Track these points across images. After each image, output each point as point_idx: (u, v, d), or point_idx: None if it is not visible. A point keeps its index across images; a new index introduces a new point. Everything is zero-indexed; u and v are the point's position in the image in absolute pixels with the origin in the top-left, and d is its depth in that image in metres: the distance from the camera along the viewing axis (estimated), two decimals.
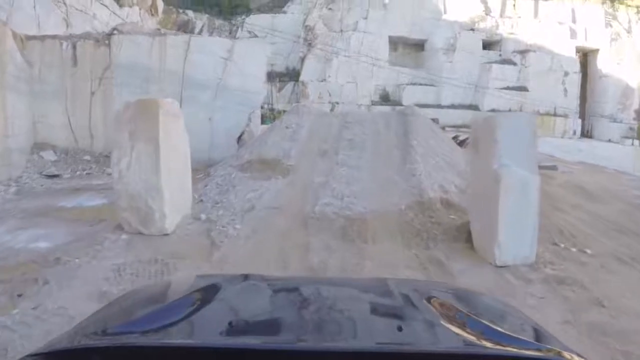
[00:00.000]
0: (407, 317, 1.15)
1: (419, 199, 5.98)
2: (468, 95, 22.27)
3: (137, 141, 4.67)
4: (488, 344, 0.95)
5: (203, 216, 5.49)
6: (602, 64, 26.81)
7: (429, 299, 1.24)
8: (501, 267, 4.16)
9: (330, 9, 22.22)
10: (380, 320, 1.15)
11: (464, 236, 4.82)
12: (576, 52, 26.30)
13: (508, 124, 4.25)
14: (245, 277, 1.46)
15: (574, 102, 25.50)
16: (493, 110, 22.78)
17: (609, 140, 25.91)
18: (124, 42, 10.08)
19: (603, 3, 29.76)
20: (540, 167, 12.59)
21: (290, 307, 1.23)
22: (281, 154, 7.61)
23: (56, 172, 8.71)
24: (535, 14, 24.91)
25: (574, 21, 27.43)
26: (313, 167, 7.31)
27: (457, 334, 1.00)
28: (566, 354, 0.94)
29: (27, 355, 0.91)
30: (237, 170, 7.15)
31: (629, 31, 30.19)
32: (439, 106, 21.67)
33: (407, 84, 21.45)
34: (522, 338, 1.03)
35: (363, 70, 21.31)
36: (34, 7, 11.23)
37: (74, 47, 9.75)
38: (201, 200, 6.16)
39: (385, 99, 21.40)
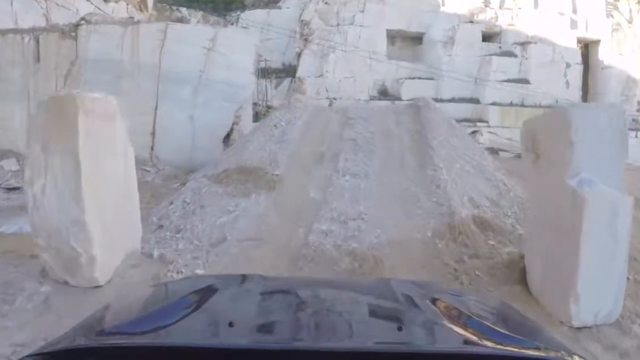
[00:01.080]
0: (407, 317, 1.14)
1: (448, 219, 4.79)
2: (468, 88, 21.63)
3: (51, 156, 3.35)
4: (488, 344, 0.93)
5: (156, 253, 4.20)
6: (604, 55, 26.12)
7: (429, 299, 1.22)
8: (579, 328, 3.02)
9: (326, 2, 21.58)
10: (380, 321, 1.15)
11: (515, 276, 3.67)
12: (577, 43, 25.64)
13: (588, 120, 2.91)
14: (245, 277, 1.46)
15: (576, 94, 24.81)
16: (494, 104, 22.25)
17: None
18: (92, 34, 8.87)
19: None
20: None
21: (290, 308, 1.21)
22: (266, 161, 6.11)
23: (16, 185, 7.26)
24: (536, 5, 24.18)
25: (574, 11, 26.73)
26: (306, 178, 6.00)
27: (457, 334, 0.99)
28: (566, 355, 0.94)
29: (27, 356, 0.91)
30: (211, 182, 5.64)
31: (630, 21, 29.52)
32: (439, 100, 20.88)
33: (406, 78, 20.77)
34: (522, 338, 1.02)
35: (361, 65, 20.63)
36: (11, 2, 10.42)
37: (37, 41, 8.59)
38: (160, 226, 4.87)
39: (383, 93, 20.78)
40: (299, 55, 20.92)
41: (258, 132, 7.53)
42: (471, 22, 21.90)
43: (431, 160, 6.23)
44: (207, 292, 1.28)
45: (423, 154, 6.52)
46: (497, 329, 1.08)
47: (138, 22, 10.41)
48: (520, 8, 23.30)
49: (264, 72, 19.10)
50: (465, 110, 21.49)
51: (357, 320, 1.13)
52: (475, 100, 21.57)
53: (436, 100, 21.38)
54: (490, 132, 21.14)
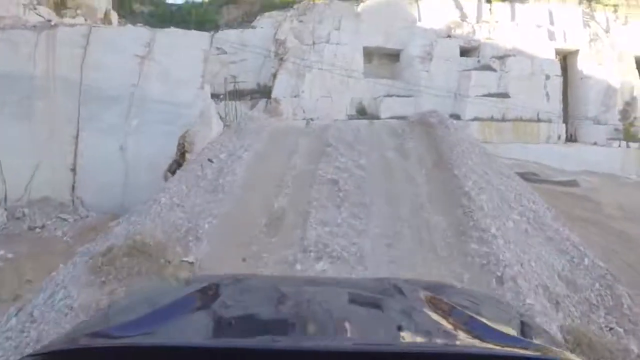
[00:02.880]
0: (407, 316, 1.11)
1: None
2: (448, 104, 21.08)
3: None
4: (488, 344, 0.92)
5: None
6: (583, 65, 25.89)
7: (429, 299, 1.22)
8: None
9: (301, 21, 20.98)
10: (379, 320, 1.11)
11: None
12: (556, 54, 25.41)
13: None
14: (245, 277, 1.51)
15: (557, 106, 24.46)
16: (475, 119, 21.68)
17: (595, 143, 24.89)
18: None
19: (580, 3, 28.95)
20: (559, 183, 11.16)
21: (290, 307, 1.19)
22: (178, 232, 3.84)
23: None
24: (513, 18, 23.84)
25: (551, 23, 26.49)
26: (246, 266, 3.54)
27: (457, 334, 0.98)
28: (566, 354, 0.93)
29: (27, 356, 0.90)
30: (87, 270, 3.44)
31: (607, 31, 29.39)
32: None
33: (384, 96, 20.14)
34: (522, 338, 1.02)
35: (338, 84, 20.00)
36: None
37: None
38: None
39: (362, 112, 20.13)
40: (274, 75, 20.25)
41: (183, 174, 5.26)
42: (449, 36, 21.45)
43: (471, 220, 3.84)
44: (207, 292, 1.27)
45: (454, 207, 4.12)
46: (498, 328, 1.03)
47: (55, 25, 8.00)
48: (497, 21, 22.95)
49: (236, 94, 18.38)
50: None
51: (358, 320, 1.07)
52: (455, 117, 20.87)
53: None
54: None
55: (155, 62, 7.89)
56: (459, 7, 22.13)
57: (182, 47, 8.33)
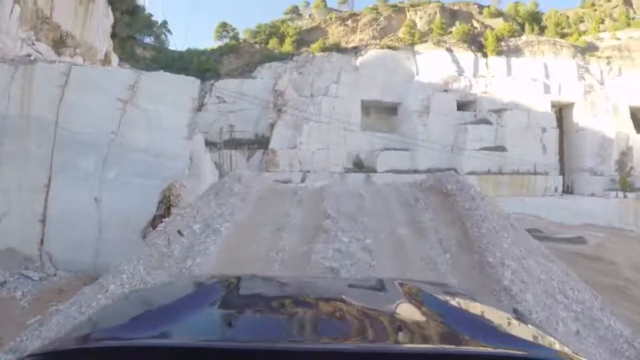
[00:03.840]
0: (407, 317, 1.11)
1: None
2: (445, 158, 21.06)
3: None
4: (487, 344, 0.92)
5: None
6: (578, 117, 26.07)
7: (429, 300, 1.22)
8: None
9: (300, 73, 21.18)
10: (379, 320, 1.09)
11: None
12: (551, 107, 25.62)
13: None
14: (244, 277, 1.42)
15: (553, 159, 24.51)
16: (472, 173, 21.55)
17: (592, 195, 24.79)
18: None
19: (574, 56, 29.54)
20: (566, 241, 10.77)
21: (290, 308, 1.18)
22: None
23: None
24: (509, 72, 24.16)
25: (547, 76, 26.86)
26: None
27: (457, 334, 0.97)
28: (566, 353, 0.93)
29: (27, 356, 0.90)
30: None
31: (601, 83, 29.78)
32: (415, 171, 20.24)
33: (381, 149, 20.11)
34: (522, 338, 1.01)
35: (335, 136, 19.99)
36: None
37: None
38: None
39: (358, 165, 20.05)
40: (272, 126, 20.25)
41: (145, 249, 4.31)
42: (446, 91, 21.62)
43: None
44: (206, 292, 1.26)
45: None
46: (497, 329, 1.06)
47: (34, 60, 7.39)
48: (493, 76, 23.21)
49: (233, 143, 18.31)
50: None
51: (357, 321, 1.07)
52: (452, 170, 20.88)
53: (412, 171, 20.77)
54: None
55: (138, 107, 6.93)
56: (455, 61, 22.42)
57: (169, 92, 7.34)
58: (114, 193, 6.57)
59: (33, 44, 11.04)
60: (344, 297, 1.29)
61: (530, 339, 1.06)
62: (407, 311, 1.19)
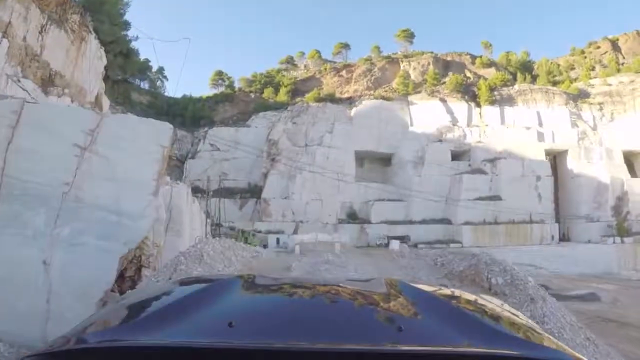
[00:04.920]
0: (408, 317, 1.12)
1: None
2: (439, 208, 20.80)
3: None
4: (488, 345, 0.91)
5: None
6: (572, 163, 26.12)
7: (429, 300, 1.22)
8: None
9: (294, 122, 21.21)
10: (380, 321, 1.08)
11: None
12: (546, 155, 25.71)
13: None
14: (245, 277, 1.45)
15: (549, 206, 24.30)
16: (467, 223, 21.25)
17: (589, 241, 24.50)
18: None
19: (567, 103, 29.92)
20: (579, 299, 10.24)
21: (290, 308, 1.19)
22: None
23: None
24: (502, 121, 24.30)
25: (540, 124, 27.08)
26: None
27: (457, 335, 0.96)
28: (567, 354, 0.92)
29: (27, 356, 0.91)
30: None
31: (594, 128, 30.06)
32: (410, 222, 19.98)
33: (375, 200, 19.87)
34: (522, 338, 1.01)
35: (329, 187, 19.78)
36: None
37: None
38: None
39: (352, 216, 19.73)
40: (265, 175, 20.06)
41: None
42: (440, 141, 21.60)
43: None
44: (207, 292, 1.21)
45: None
46: (498, 329, 1.03)
47: None
48: (487, 125, 23.30)
49: (223, 192, 18.01)
50: (437, 231, 20.35)
51: (357, 321, 1.04)
52: (446, 221, 20.63)
53: (407, 222, 20.49)
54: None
55: (98, 155, 5.96)
56: (449, 111, 22.55)
57: (137, 139, 6.29)
58: (66, 256, 5.55)
59: (19, 80, 10.34)
60: (345, 296, 1.31)
61: (530, 339, 1.05)
62: (407, 311, 1.18)
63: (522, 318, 1.29)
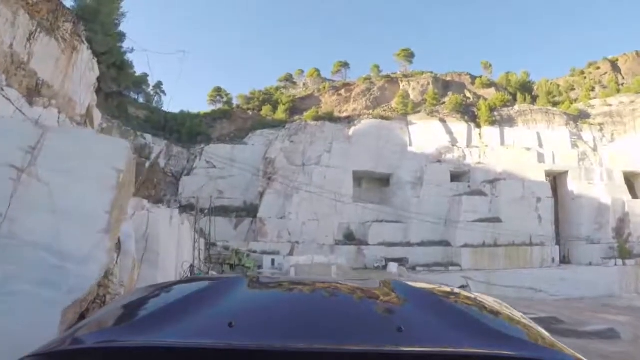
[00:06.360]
0: (407, 317, 1.09)
1: None
2: (438, 230, 20.40)
3: None
4: (488, 345, 0.90)
5: None
6: (573, 185, 25.78)
7: (429, 300, 1.22)
8: None
9: (292, 141, 20.95)
10: (380, 321, 1.09)
11: None
12: (546, 176, 25.44)
13: None
14: (245, 278, 1.46)
15: (549, 229, 23.88)
16: (466, 246, 20.82)
17: (590, 264, 24.06)
18: None
19: (567, 124, 29.75)
20: (596, 335, 9.84)
21: (290, 308, 1.17)
22: None
23: None
24: (502, 142, 24.04)
25: (540, 145, 26.84)
26: None
27: (457, 335, 0.96)
28: (567, 354, 0.92)
29: (27, 356, 0.90)
30: None
31: (594, 149, 29.81)
32: (408, 244, 19.57)
33: (373, 221, 19.48)
34: (522, 338, 1.02)
35: (326, 207, 19.41)
36: None
37: None
38: None
39: (349, 238, 19.33)
40: (261, 194, 19.72)
41: None
42: (439, 161, 21.31)
43: None
44: (207, 293, 1.21)
45: None
46: (498, 329, 1.01)
47: None
48: (487, 146, 23.05)
49: (214, 210, 17.60)
50: (436, 254, 19.88)
51: (357, 321, 1.04)
52: (445, 243, 20.22)
53: (405, 244, 20.11)
54: (464, 277, 19.54)
55: (38, 180, 3.95)
56: (449, 132, 22.32)
57: (87, 160, 3.92)
58: None
59: (2, 89, 9.91)
60: (345, 297, 1.30)
61: (531, 339, 1.04)
62: (407, 311, 1.17)
63: (521, 318, 1.28)
